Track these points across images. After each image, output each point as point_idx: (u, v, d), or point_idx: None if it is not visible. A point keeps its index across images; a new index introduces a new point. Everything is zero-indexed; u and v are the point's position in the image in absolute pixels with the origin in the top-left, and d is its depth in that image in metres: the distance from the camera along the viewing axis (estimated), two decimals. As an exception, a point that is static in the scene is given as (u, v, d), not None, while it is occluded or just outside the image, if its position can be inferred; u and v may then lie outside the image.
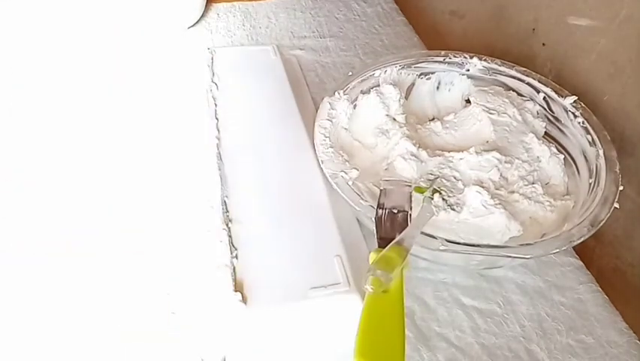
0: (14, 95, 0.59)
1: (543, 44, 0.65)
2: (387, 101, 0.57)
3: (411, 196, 0.45)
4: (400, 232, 0.40)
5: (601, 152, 0.50)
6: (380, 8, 0.87)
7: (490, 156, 0.52)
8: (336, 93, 0.57)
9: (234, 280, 0.43)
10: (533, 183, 0.51)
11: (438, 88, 0.64)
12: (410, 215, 0.43)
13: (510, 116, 0.56)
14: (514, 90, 0.60)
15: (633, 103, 0.53)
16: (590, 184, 0.49)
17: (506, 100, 0.58)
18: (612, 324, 0.46)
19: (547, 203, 0.49)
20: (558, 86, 0.57)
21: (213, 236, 0.46)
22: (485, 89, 0.60)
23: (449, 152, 0.53)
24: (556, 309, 0.47)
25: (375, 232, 0.42)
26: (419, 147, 0.53)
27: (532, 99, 0.59)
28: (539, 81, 0.58)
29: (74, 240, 0.46)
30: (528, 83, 0.59)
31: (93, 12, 0.72)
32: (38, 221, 0.47)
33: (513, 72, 0.60)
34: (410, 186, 0.47)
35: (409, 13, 0.87)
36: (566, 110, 0.56)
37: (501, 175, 0.51)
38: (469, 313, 0.46)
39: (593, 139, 0.52)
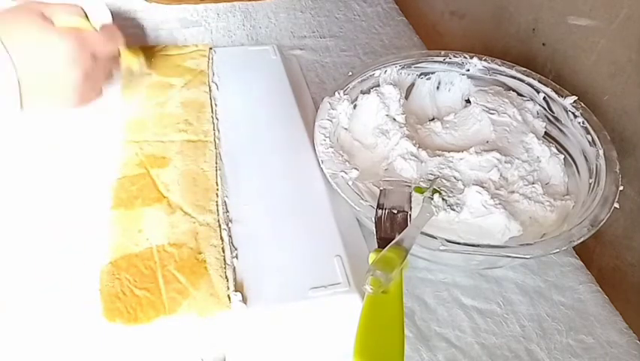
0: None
1: (543, 44, 0.65)
2: (387, 101, 0.57)
3: (411, 196, 0.45)
4: (400, 233, 0.41)
5: (601, 152, 0.50)
6: (380, 8, 0.87)
7: (490, 156, 0.52)
8: (336, 93, 0.57)
9: (234, 280, 0.43)
10: (533, 183, 0.51)
11: (438, 88, 0.64)
12: (410, 215, 0.43)
13: (510, 116, 0.56)
14: (514, 90, 0.60)
15: (633, 103, 0.53)
16: (590, 184, 0.49)
17: (506, 100, 0.58)
18: (612, 324, 0.46)
19: (547, 203, 0.49)
20: (558, 86, 0.57)
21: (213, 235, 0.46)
22: (485, 89, 0.60)
23: (449, 152, 0.53)
24: (557, 309, 0.47)
25: (375, 232, 0.42)
26: (419, 147, 0.53)
27: (532, 99, 0.59)
28: (539, 81, 0.58)
29: (62, 239, 0.46)
30: (528, 83, 0.59)
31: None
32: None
33: (513, 72, 0.60)
34: (410, 186, 0.47)
35: (408, 13, 0.87)
36: (566, 110, 0.56)
37: (501, 175, 0.51)
38: (469, 313, 0.46)
39: (593, 139, 0.52)
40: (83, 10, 0.49)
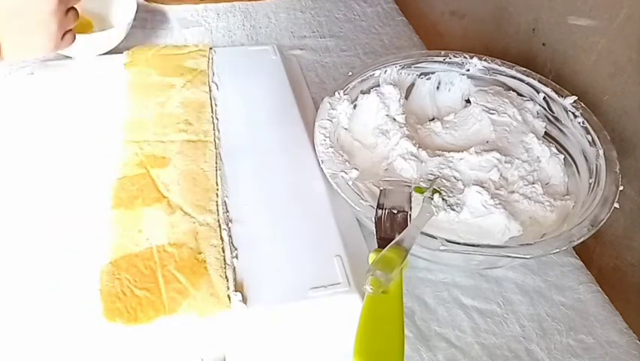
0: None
1: (543, 44, 0.65)
2: (387, 101, 0.57)
3: (411, 196, 0.45)
4: (400, 233, 0.40)
5: (601, 152, 0.50)
6: (380, 8, 0.87)
7: (490, 156, 0.52)
8: (336, 93, 0.57)
9: (234, 280, 0.43)
10: (533, 183, 0.51)
11: (438, 88, 0.64)
12: (410, 215, 0.43)
13: (510, 116, 0.56)
14: (514, 90, 0.60)
15: (633, 103, 0.53)
16: (590, 184, 0.49)
17: (506, 100, 0.58)
18: (612, 324, 0.46)
19: (547, 203, 0.49)
20: (558, 86, 0.57)
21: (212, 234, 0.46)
22: (485, 89, 0.60)
23: (449, 152, 0.53)
24: (557, 309, 0.47)
25: (375, 232, 0.42)
26: (419, 147, 0.53)
27: (532, 99, 0.59)
28: (539, 81, 0.58)
29: (68, 237, 0.46)
30: (528, 83, 0.59)
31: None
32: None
33: (513, 72, 0.60)
34: (410, 186, 0.47)
35: (408, 13, 0.87)
36: (566, 110, 0.56)
37: (501, 175, 0.51)
38: (469, 313, 0.46)
39: (593, 139, 0.52)
40: None
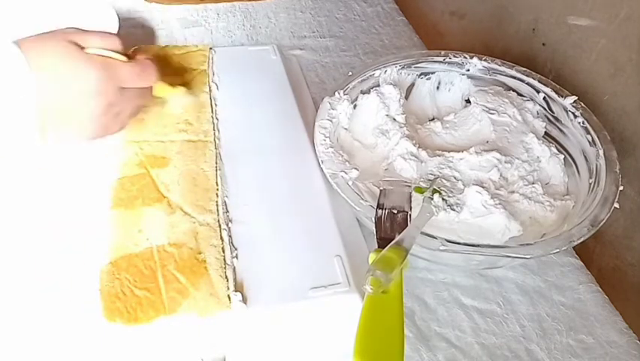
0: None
1: (543, 44, 0.65)
2: (387, 101, 0.57)
3: (411, 196, 0.45)
4: (400, 233, 0.41)
5: (601, 152, 0.50)
6: (380, 8, 0.87)
7: (490, 156, 0.52)
8: (336, 93, 0.57)
9: (234, 280, 0.43)
10: (533, 183, 0.51)
11: (438, 88, 0.64)
12: (410, 215, 0.43)
13: (510, 116, 0.56)
14: (514, 90, 0.60)
15: (633, 103, 0.53)
16: (590, 184, 0.49)
17: (506, 100, 0.58)
18: (612, 324, 0.46)
19: (547, 203, 0.49)
20: (558, 86, 0.57)
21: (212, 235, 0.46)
22: (485, 89, 0.60)
23: (449, 152, 0.53)
24: (557, 309, 0.47)
25: (375, 232, 0.42)
26: (419, 147, 0.53)
27: (532, 99, 0.59)
28: (539, 81, 0.58)
29: (69, 239, 0.46)
30: (528, 83, 0.59)
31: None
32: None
33: (513, 72, 0.60)
34: (410, 186, 0.47)
35: (408, 13, 0.87)
36: (566, 110, 0.56)
37: (501, 175, 0.51)
38: (469, 313, 0.46)
39: (593, 139, 0.52)
40: (118, 40, 0.47)
